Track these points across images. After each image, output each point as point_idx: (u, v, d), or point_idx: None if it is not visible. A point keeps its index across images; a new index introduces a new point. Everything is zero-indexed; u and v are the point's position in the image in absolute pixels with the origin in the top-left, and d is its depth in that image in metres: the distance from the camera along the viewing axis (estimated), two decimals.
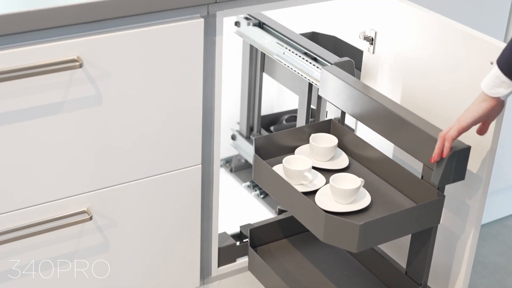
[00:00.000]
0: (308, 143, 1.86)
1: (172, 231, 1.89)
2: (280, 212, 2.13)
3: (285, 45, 2.13)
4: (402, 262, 1.91)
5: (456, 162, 1.59)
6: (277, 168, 1.80)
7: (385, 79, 1.93)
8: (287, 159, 1.77)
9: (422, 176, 1.70)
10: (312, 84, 2.11)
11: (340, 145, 1.89)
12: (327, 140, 1.85)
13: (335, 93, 1.86)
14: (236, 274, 2.08)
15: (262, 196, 2.40)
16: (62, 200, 1.71)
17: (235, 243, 2.04)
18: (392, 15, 1.87)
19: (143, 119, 1.73)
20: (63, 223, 1.71)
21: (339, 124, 1.91)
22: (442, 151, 1.57)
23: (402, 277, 1.81)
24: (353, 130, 2.13)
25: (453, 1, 2.16)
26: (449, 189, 1.79)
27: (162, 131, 1.77)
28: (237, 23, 2.30)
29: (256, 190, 2.43)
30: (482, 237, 2.60)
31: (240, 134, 2.51)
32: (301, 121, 2.21)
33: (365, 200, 1.70)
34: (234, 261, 2.06)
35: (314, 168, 1.80)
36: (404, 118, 1.69)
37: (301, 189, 1.73)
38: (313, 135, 1.86)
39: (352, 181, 1.69)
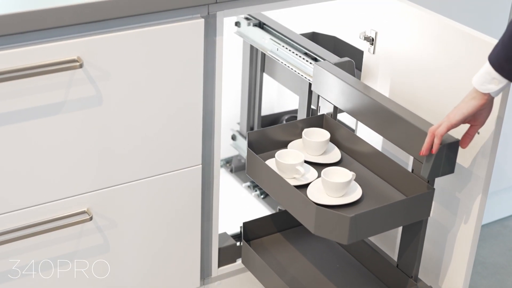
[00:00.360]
0: (301, 137, 1.89)
1: (172, 231, 1.89)
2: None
3: (285, 44, 2.13)
4: (394, 256, 1.95)
5: (445, 156, 1.62)
6: (270, 162, 1.82)
7: (385, 79, 1.93)
8: (280, 153, 1.80)
9: (412, 170, 1.72)
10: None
11: (333, 140, 1.92)
12: (320, 135, 1.89)
13: (328, 88, 1.89)
14: (236, 275, 2.08)
15: (262, 196, 2.40)
16: (62, 201, 1.71)
17: (235, 244, 2.04)
18: (393, 15, 1.87)
19: (143, 119, 1.73)
20: (63, 223, 1.71)
21: (331, 119, 1.94)
22: (431, 146, 1.59)
23: (394, 270, 1.85)
24: (353, 130, 2.13)
25: (453, 1, 2.16)
26: (449, 189, 1.79)
27: (162, 131, 1.77)
28: (237, 23, 2.30)
29: (256, 191, 2.43)
30: (482, 237, 2.60)
31: (241, 134, 2.51)
32: None
33: (356, 193, 1.73)
34: (235, 261, 2.06)
35: (306, 162, 1.83)
36: (395, 112, 1.71)
37: (293, 182, 1.76)
38: (305, 130, 1.89)
39: (343, 174, 1.72)
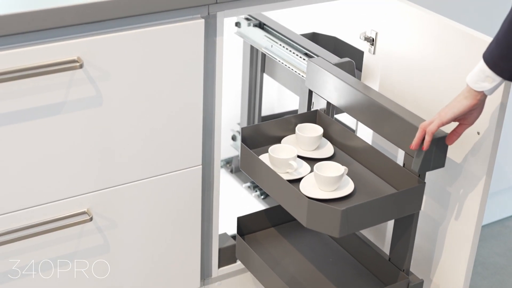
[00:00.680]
0: (295, 133, 1.91)
1: (172, 231, 1.89)
2: None
3: (285, 45, 2.13)
4: (387, 250, 1.96)
5: (435, 150, 1.64)
6: (264, 157, 1.84)
7: (386, 79, 1.93)
8: (273, 148, 1.82)
9: (404, 164, 1.74)
10: None
11: (326, 135, 1.94)
12: (313, 130, 1.91)
13: (321, 84, 1.90)
14: (236, 275, 2.08)
15: (262, 197, 2.40)
16: (62, 201, 1.71)
17: (236, 244, 2.04)
18: (393, 15, 1.87)
19: (143, 119, 1.73)
20: (64, 224, 1.71)
21: (325, 114, 1.96)
22: (421, 140, 1.61)
23: (385, 263, 1.87)
24: (353, 131, 2.13)
25: (453, 1, 2.16)
26: (449, 189, 1.79)
27: (163, 132, 1.77)
28: (237, 24, 2.30)
29: (256, 191, 2.43)
30: (483, 237, 2.60)
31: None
32: None
33: (348, 187, 1.75)
34: (235, 262, 2.06)
35: (300, 157, 1.85)
36: (387, 108, 1.73)
37: (286, 177, 1.78)
38: (299, 125, 1.90)
39: (335, 169, 1.74)
